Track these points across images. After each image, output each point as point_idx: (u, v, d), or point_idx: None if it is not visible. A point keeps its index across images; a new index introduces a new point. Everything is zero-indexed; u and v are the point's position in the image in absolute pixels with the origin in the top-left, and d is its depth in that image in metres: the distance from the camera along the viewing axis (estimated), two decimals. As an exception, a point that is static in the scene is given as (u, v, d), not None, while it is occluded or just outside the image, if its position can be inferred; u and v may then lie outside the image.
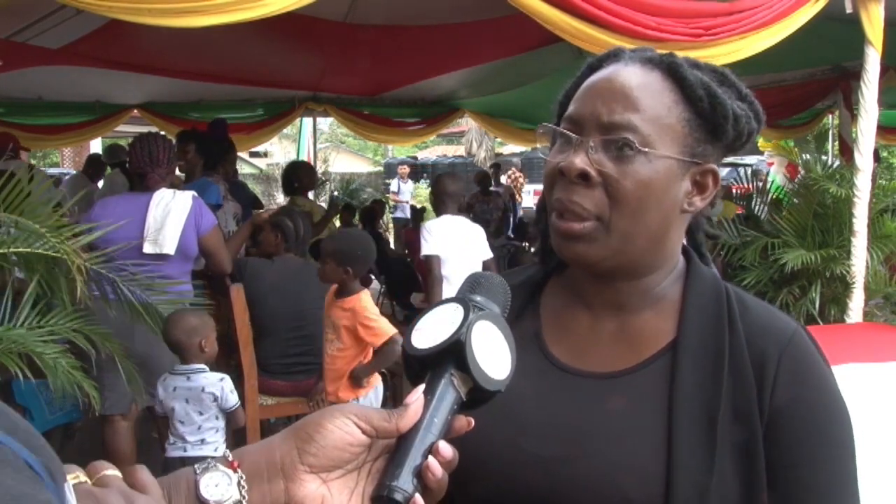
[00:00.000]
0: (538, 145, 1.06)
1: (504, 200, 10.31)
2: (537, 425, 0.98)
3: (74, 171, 11.22)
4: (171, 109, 8.07)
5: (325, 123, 13.82)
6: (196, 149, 5.15)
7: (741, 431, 0.92)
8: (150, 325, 3.38)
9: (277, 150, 22.16)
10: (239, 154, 7.14)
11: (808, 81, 7.03)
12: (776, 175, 8.22)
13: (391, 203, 15.33)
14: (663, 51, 1.03)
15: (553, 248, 1.02)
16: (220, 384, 3.17)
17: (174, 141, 4.44)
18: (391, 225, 14.39)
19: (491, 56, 6.68)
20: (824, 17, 3.81)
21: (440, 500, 0.73)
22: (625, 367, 0.99)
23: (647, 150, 0.93)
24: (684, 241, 1.07)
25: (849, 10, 3.79)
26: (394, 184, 16.53)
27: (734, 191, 5.73)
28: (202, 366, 3.21)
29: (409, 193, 15.94)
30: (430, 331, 0.77)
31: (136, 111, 8.03)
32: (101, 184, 8.02)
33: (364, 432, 0.71)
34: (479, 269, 4.40)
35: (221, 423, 3.21)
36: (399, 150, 23.27)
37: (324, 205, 8.19)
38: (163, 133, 4.71)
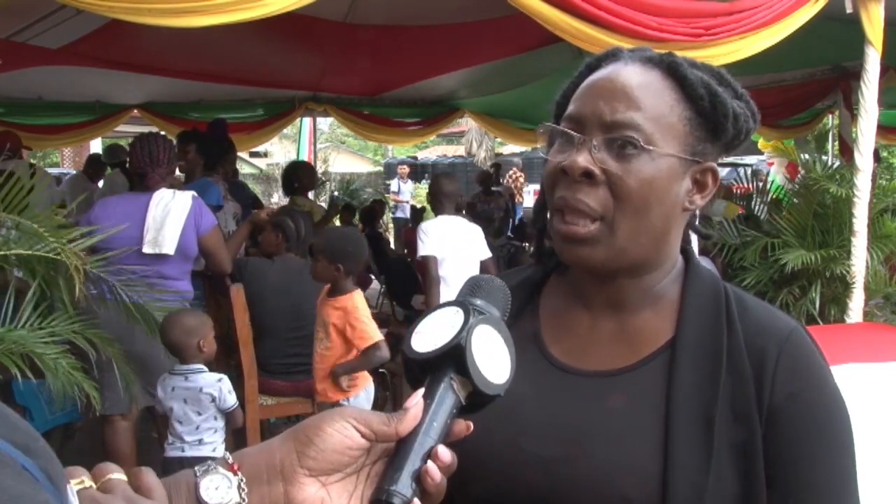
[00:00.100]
0: (538, 145, 1.06)
1: (505, 200, 10.33)
2: (537, 425, 0.98)
3: (74, 171, 11.22)
4: (171, 109, 8.07)
5: (325, 123, 13.81)
6: (196, 149, 5.15)
7: (740, 431, 0.92)
8: (149, 328, 3.38)
9: (277, 150, 22.16)
10: (239, 154, 7.15)
11: (808, 81, 7.03)
12: (776, 175, 8.22)
13: (391, 203, 15.33)
14: (662, 50, 1.03)
15: (552, 249, 1.02)
16: (218, 384, 3.17)
17: (174, 141, 4.44)
18: (391, 225, 14.39)
19: (491, 56, 6.68)
20: (824, 17, 3.81)
21: (440, 502, 0.73)
22: (623, 365, 0.99)
23: (650, 147, 0.94)
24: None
25: (849, 10, 3.79)
26: (394, 184, 16.54)
27: (735, 191, 5.73)
28: (201, 366, 3.21)
29: (409, 193, 15.94)
30: (430, 335, 0.77)
31: (136, 111, 8.03)
32: (101, 184, 8.02)
33: (363, 436, 0.71)
34: (476, 268, 4.39)
35: (220, 424, 3.21)
36: (399, 150, 23.26)
37: (324, 205, 8.20)
38: (163, 133, 4.71)
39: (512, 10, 3.53)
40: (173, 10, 3.06)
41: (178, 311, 3.39)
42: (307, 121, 10.50)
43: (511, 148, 19.37)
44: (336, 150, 24.51)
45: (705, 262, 4.63)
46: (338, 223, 7.75)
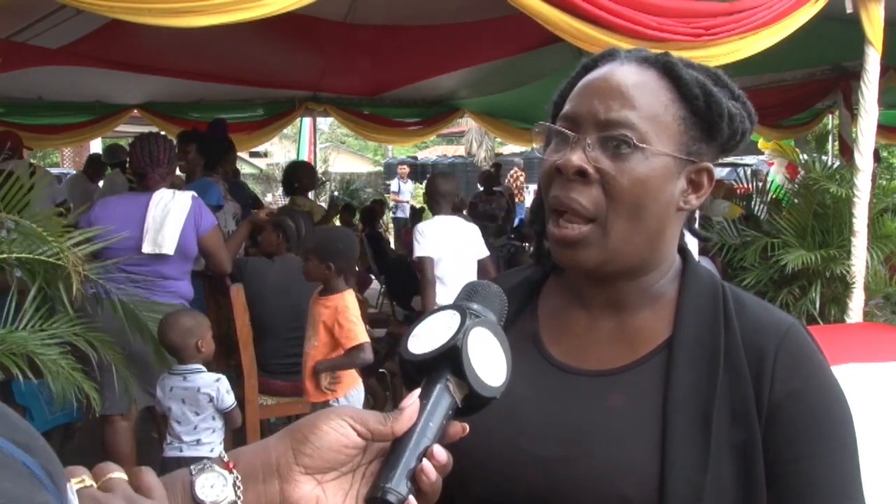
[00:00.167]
0: (534, 145, 1.06)
1: (506, 200, 10.35)
2: (536, 425, 0.98)
3: (74, 171, 11.23)
4: (171, 109, 8.07)
5: (325, 123, 13.82)
6: (197, 149, 5.15)
7: (738, 430, 0.92)
8: (144, 335, 3.38)
9: (277, 150, 22.16)
10: (239, 154, 7.15)
11: (808, 81, 7.04)
12: (776, 175, 8.21)
13: (391, 203, 15.34)
14: (659, 50, 1.04)
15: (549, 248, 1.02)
16: (215, 385, 3.17)
17: (175, 141, 4.44)
18: (391, 225, 14.40)
19: (491, 56, 6.68)
20: (824, 17, 3.81)
21: (437, 502, 0.74)
22: (621, 365, 0.99)
23: (644, 146, 0.94)
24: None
25: (849, 10, 3.79)
26: (394, 184, 16.54)
27: (738, 191, 5.72)
28: (199, 366, 3.21)
29: (409, 193, 15.95)
30: (427, 337, 0.78)
31: (136, 111, 8.03)
32: (101, 184, 8.02)
33: (359, 434, 0.71)
34: (474, 268, 4.39)
35: (219, 424, 3.21)
36: (399, 150, 23.25)
37: (324, 205, 8.20)
38: (163, 133, 4.71)
39: (512, 10, 3.53)
40: (173, 10, 3.06)
41: (176, 311, 3.39)
42: (307, 121, 10.50)
43: (511, 148, 19.36)
44: (336, 150, 24.51)
45: (705, 263, 4.64)
46: (338, 223, 7.75)
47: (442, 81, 7.88)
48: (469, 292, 0.83)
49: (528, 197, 16.16)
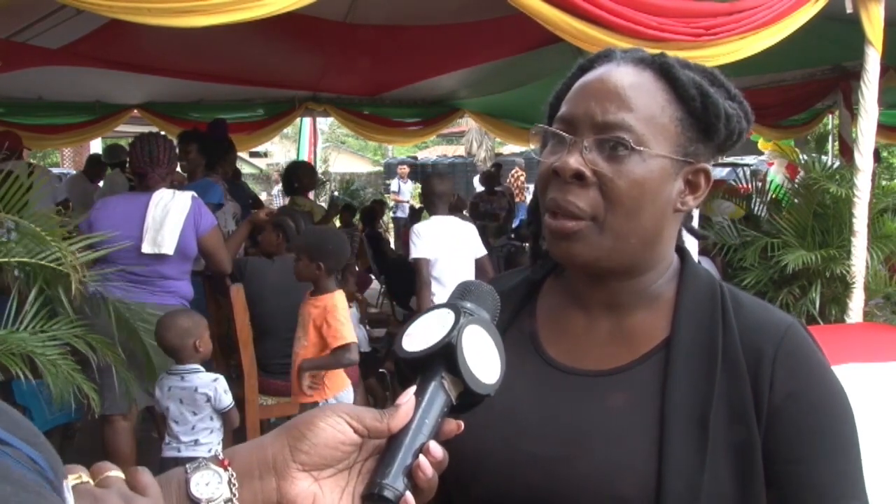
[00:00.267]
0: (532, 146, 1.06)
1: (507, 200, 10.36)
2: (535, 425, 0.99)
3: (74, 171, 11.23)
4: (171, 109, 8.07)
5: (325, 123, 13.82)
6: (198, 149, 5.15)
7: (737, 430, 0.92)
8: (138, 338, 3.38)
9: (278, 150, 22.16)
10: (239, 154, 7.15)
11: (808, 81, 7.03)
12: (776, 175, 8.21)
13: (391, 203, 15.34)
14: (656, 51, 1.03)
15: (546, 250, 1.02)
16: (213, 384, 3.17)
17: (175, 141, 4.44)
18: (391, 225, 14.41)
19: (491, 56, 6.68)
20: (824, 17, 3.81)
21: (433, 501, 0.74)
22: (620, 364, 0.99)
23: (641, 148, 0.93)
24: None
25: (849, 10, 3.79)
26: (394, 184, 16.54)
27: (740, 191, 5.71)
28: (197, 366, 3.21)
29: (409, 193, 15.95)
30: (421, 335, 0.78)
31: (136, 111, 8.03)
32: (101, 184, 8.02)
33: (356, 431, 0.71)
34: (472, 267, 4.39)
35: (217, 424, 3.21)
36: (399, 150, 23.25)
37: (324, 205, 8.20)
38: (163, 133, 4.71)
39: (512, 10, 3.52)
40: (173, 10, 3.06)
41: (173, 312, 3.39)
42: (307, 121, 10.50)
43: (511, 148, 19.36)
44: (336, 150, 24.52)
45: (705, 263, 4.64)
46: (338, 223, 7.75)
47: (442, 81, 7.88)
48: (462, 291, 0.83)
49: (530, 196, 16.14)
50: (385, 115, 9.16)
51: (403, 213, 14.47)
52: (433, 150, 25.96)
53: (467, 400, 0.77)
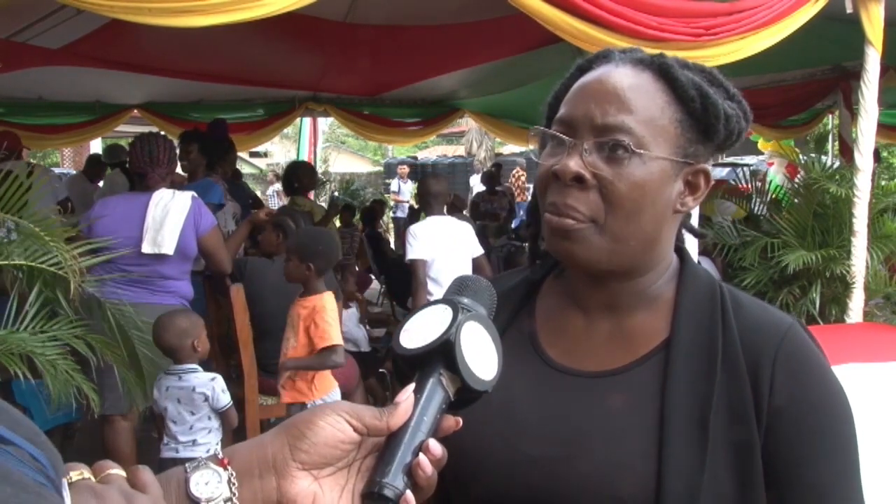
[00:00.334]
0: (530, 146, 1.06)
1: (508, 200, 10.37)
2: (534, 426, 0.98)
3: (74, 171, 11.22)
4: (171, 109, 8.07)
5: (325, 123, 13.81)
6: (199, 149, 5.16)
7: (736, 430, 0.92)
8: (130, 344, 3.38)
9: (278, 150, 22.16)
10: (239, 154, 7.15)
11: (808, 81, 7.03)
12: (776, 175, 8.22)
13: (391, 203, 15.34)
14: (653, 51, 1.03)
15: (546, 251, 1.02)
16: (211, 384, 3.17)
17: (176, 141, 4.44)
18: (391, 225, 14.40)
19: (491, 56, 6.68)
20: (824, 17, 3.81)
21: (435, 500, 0.74)
22: (619, 365, 0.99)
23: (641, 151, 0.93)
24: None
25: (849, 10, 3.79)
26: (394, 184, 16.54)
27: (742, 191, 5.71)
28: (194, 366, 3.21)
29: (409, 193, 15.92)
30: (419, 332, 0.78)
31: (136, 111, 8.03)
32: (101, 184, 8.02)
33: (355, 430, 0.72)
34: (469, 267, 4.40)
35: (215, 424, 3.21)
36: (399, 150, 23.24)
37: (324, 205, 8.20)
38: (163, 133, 4.71)
39: (512, 10, 3.53)
40: (173, 10, 3.06)
41: (170, 312, 3.39)
42: (307, 121, 10.50)
43: (511, 148, 19.35)
44: (336, 150, 24.51)
45: (706, 263, 4.64)
46: (338, 223, 7.75)
47: (442, 81, 7.88)
48: (459, 286, 0.83)
49: (530, 196, 16.13)
50: (385, 115, 9.17)
51: (403, 213, 14.46)
52: (433, 150, 25.95)
53: (465, 396, 0.77)
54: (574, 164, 0.94)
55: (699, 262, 1.09)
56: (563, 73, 1.08)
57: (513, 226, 9.61)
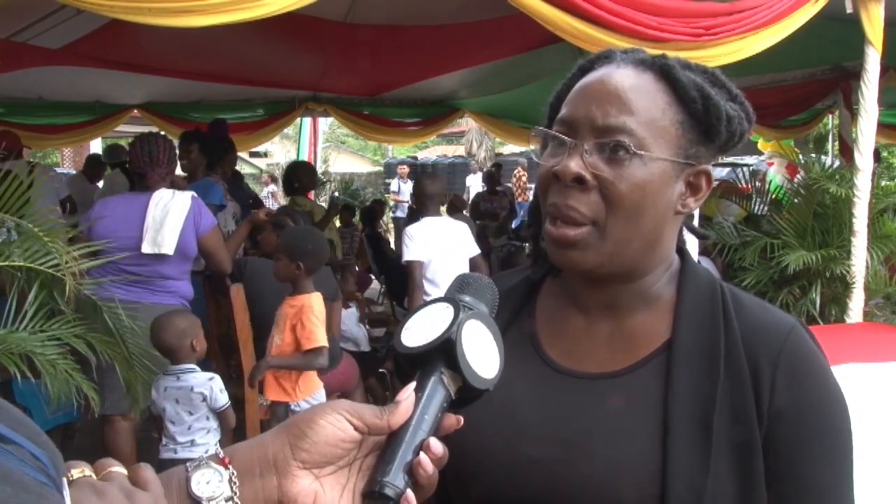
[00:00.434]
0: (531, 146, 1.06)
1: (508, 200, 10.37)
2: (535, 427, 0.98)
3: (74, 171, 11.22)
4: (171, 109, 8.07)
5: (325, 123, 13.81)
6: (199, 149, 5.15)
7: (738, 431, 0.92)
8: (122, 348, 3.38)
9: (278, 150, 22.16)
10: (239, 154, 7.15)
11: (808, 81, 7.03)
12: (776, 175, 8.21)
13: (391, 203, 15.34)
14: (656, 51, 1.03)
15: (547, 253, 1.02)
16: (209, 384, 3.17)
17: (176, 141, 4.44)
18: (391, 225, 14.41)
19: (491, 56, 6.68)
20: (824, 17, 3.81)
21: (436, 500, 0.74)
22: (620, 367, 0.99)
23: (642, 152, 0.93)
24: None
25: (849, 10, 3.79)
26: (394, 184, 16.54)
27: (744, 191, 5.70)
28: (192, 366, 3.22)
29: (409, 193, 15.93)
30: (420, 330, 0.78)
31: (136, 111, 8.03)
32: (100, 184, 8.02)
33: (356, 428, 0.72)
34: (466, 267, 4.39)
35: (213, 425, 3.20)
36: (399, 150, 23.25)
37: (324, 205, 8.19)
38: (163, 133, 4.71)
39: (512, 10, 3.53)
40: (173, 10, 3.06)
41: (168, 312, 3.39)
42: (307, 121, 10.50)
43: (511, 148, 19.36)
44: (336, 150, 24.51)
45: (706, 263, 4.64)
46: (338, 223, 7.74)
47: (442, 81, 7.88)
48: (460, 284, 0.83)
49: (531, 196, 16.13)
50: (385, 115, 9.17)
51: (403, 213, 14.45)
52: (433, 150, 25.96)
53: (466, 395, 0.77)
54: (575, 164, 0.93)
55: (698, 261, 1.09)
56: (563, 73, 1.08)
57: (513, 226, 9.61)
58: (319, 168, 12.71)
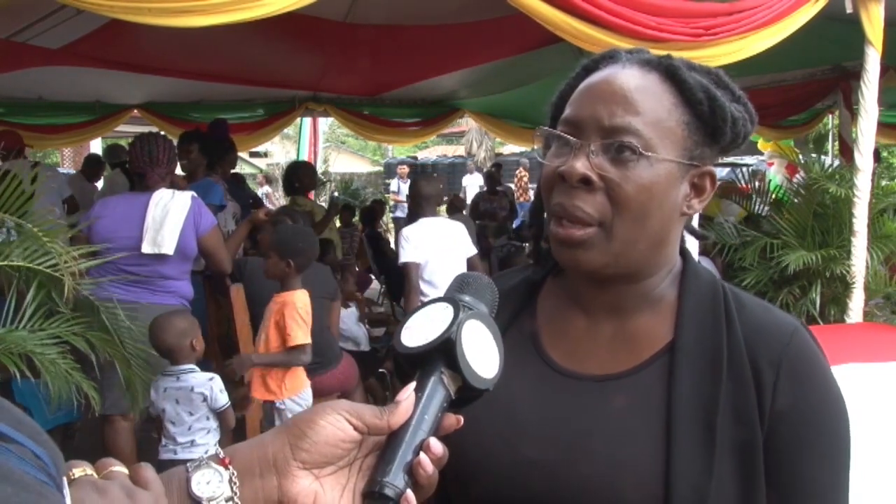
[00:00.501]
0: (534, 146, 1.05)
1: (509, 199, 10.37)
2: (536, 428, 0.98)
3: (74, 171, 11.22)
4: (171, 109, 8.07)
5: (325, 123, 13.81)
6: (199, 149, 5.15)
7: (741, 431, 0.92)
8: (119, 349, 3.38)
9: (278, 150, 22.16)
10: (239, 154, 7.15)
11: (808, 81, 7.03)
12: (776, 175, 8.22)
13: (391, 203, 15.35)
14: (659, 52, 1.03)
15: (549, 251, 1.01)
16: (209, 384, 3.17)
17: (175, 141, 4.44)
18: (391, 225, 14.41)
19: (491, 56, 6.68)
20: (824, 17, 3.81)
21: (436, 500, 0.74)
22: (623, 369, 0.99)
23: (648, 153, 0.93)
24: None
25: (849, 10, 3.80)
26: (394, 184, 16.55)
27: (745, 191, 5.69)
28: (192, 366, 3.22)
29: (406, 194, 15.93)
30: (420, 330, 0.78)
31: (136, 111, 8.03)
32: (99, 184, 8.03)
33: (356, 428, 0.72)
34: (463, 267, 4.39)
35: (213, 425, 3.20)
36: (399, 150, 23.25)
37: (324, 205, 8.19)
38: (163, 133, 4.71)
39: (512, 10, 3.53)
40: (173, 10, 3.07)
41: (167, 313, 3.39)
42: (307, 121, 10.50)
43: (511, 148, 19.37)
44: (336, 150, 24.50)
45: (706, 263, 4.64)
46: (338, 223, 7.74)
47: (442, 81, 7.88)
48: (460, 284, 0.83)
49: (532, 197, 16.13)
50: (385, 115, 9.17)
51: (403, 213, 14.45)
52: (433, 150, 25.96)
53: (466, 394, 0.77)
54: (581, 165, 0.93)
55: (699, 261, 1.09)
56: (563, 73, 1.07)
57: (513, 226, 9.61)
58: (319, 168, 12.71)
